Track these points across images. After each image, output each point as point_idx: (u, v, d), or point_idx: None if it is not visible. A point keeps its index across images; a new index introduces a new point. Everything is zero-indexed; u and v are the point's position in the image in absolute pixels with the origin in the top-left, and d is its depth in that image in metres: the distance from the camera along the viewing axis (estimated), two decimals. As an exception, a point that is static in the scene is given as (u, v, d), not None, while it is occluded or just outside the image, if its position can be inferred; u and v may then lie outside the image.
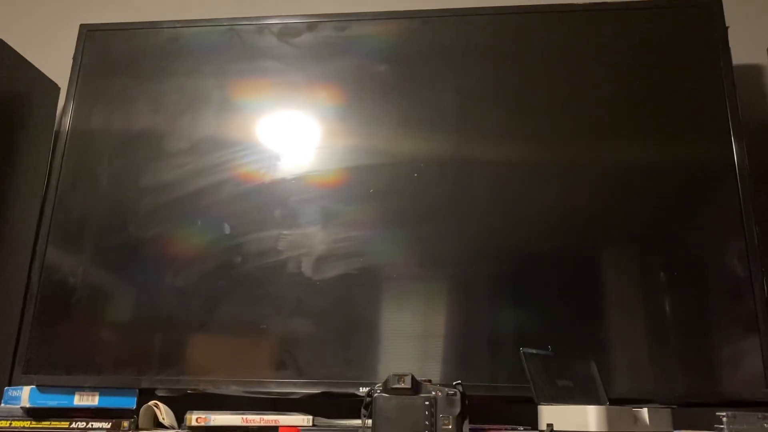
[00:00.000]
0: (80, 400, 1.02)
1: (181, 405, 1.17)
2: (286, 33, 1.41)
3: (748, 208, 1.20)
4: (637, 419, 0.95)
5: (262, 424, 1.05)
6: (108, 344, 1.25)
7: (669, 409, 1.00)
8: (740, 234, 1.20)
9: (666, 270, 1.20)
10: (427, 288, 1.24)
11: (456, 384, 0.99)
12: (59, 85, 1.64)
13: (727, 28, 1.29)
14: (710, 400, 1.12)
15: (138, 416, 1.09)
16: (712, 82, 1.28)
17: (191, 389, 1.22)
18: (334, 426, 1.09)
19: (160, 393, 1.22)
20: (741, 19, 1.48)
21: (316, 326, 1.23)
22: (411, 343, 1.20)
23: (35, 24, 1.79)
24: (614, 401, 1.05)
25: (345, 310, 1.23)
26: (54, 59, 1.68)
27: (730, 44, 1.30)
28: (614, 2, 1.35)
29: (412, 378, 0.98)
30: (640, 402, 1.08)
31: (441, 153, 1.31)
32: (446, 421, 0.97)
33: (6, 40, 1.48)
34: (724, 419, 0.97)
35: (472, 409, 1.00)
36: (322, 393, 1.19)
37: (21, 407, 1.00)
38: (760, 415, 0.96)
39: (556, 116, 1.30)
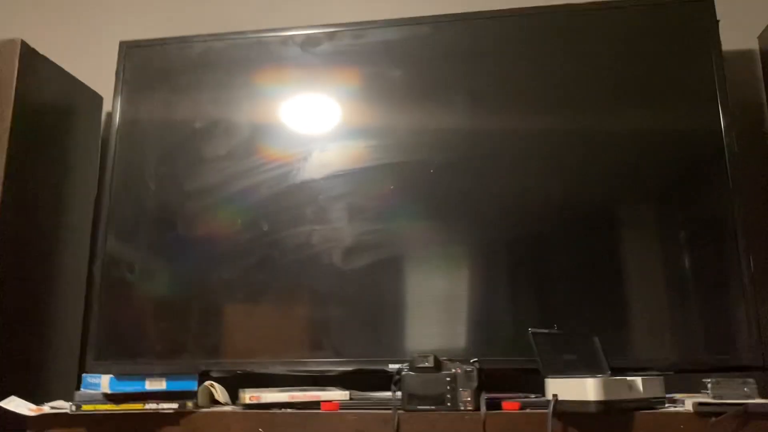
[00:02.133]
0: (151, 385, 1.19)
1: (231, 384, 1.34)
2: (308, 43, 1.53)
3: (736, 183, 1.31)
4: (631, 387, 1.08)
5: (307, 399, 1.21)
6: (166, 333, 1.42)
7: (661, 377, 1.13)
8: (729, 208, 1.31)
9: (661, 244, 1.32)
10: (447, 273, 1.37)
11: (473, 361, 1.14)
12: (102, 95, 1.79)
13: (718, 21, 1.38)
14: (701, 366, 1.25)
15: (197, 396, 1.26)
16: (704, 69, 1.38)
17: (241, 370, 1.38)
18: (369, 399, 1.25)
19: (214, 374, 1.39)
20: (735, 7, 1.56)
21: (348, 311, 1.38)
22: (433, 323, 1.35)
23: (74, 40, 1.93)
24: (615, 371, 1.18)
25: (373, 295, 1.38)
26: (95, 71, 1.82)
27: (725, 31, 1.40)
28: (614, 0, 1.44)
29: (435, 357, 1.14)
30: (638, 370, 1.22)
31: (454, 149, 1.43)
32: (465, 393, 1.12)
33: (50, 57, 1.62)
34: (709, 384, 1.10)
35: (488, 381, 1.15)
36: (356, 370, 1.34)
37: (102, 393, 1.17)
38: (741, 380, 1.09)
39: (560, 109, 1.41)
